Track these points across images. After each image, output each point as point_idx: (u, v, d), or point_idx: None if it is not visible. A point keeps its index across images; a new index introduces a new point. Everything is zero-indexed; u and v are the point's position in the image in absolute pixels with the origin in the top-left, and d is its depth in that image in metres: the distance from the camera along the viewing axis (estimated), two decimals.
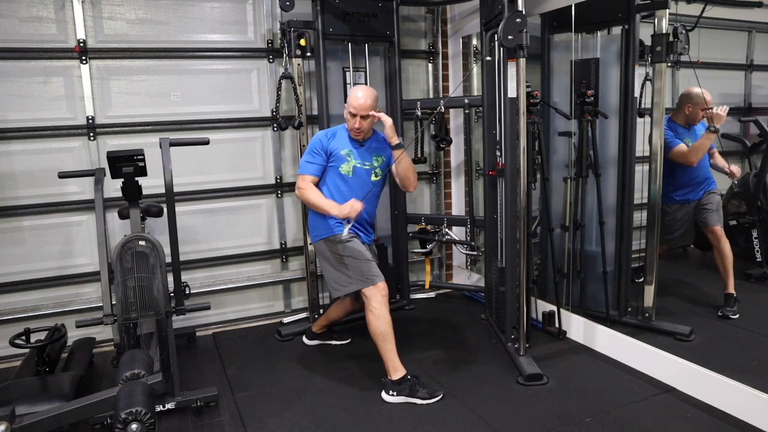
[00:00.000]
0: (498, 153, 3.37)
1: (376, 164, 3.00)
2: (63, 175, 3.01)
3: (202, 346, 3.57)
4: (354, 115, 2.86)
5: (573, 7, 3.32)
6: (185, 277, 3.42)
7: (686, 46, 3.15)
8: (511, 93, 2.98)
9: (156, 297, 2.67)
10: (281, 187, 3.94)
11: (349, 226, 2.79)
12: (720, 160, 3.64)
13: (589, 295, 3.57)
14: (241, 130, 3.80)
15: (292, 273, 4.03)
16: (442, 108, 3.70)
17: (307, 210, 3.69)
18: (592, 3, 3.17)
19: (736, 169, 3.66)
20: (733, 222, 3.86)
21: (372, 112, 2.88)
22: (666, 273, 3.66)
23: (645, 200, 3.30)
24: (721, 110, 3.32)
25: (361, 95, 2.85)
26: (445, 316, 3.96)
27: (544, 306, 3.61)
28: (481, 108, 3.74)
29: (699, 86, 3.36)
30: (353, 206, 2.77)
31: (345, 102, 2.94)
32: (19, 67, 3.27)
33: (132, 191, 2.86)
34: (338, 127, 3.04)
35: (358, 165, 2.95)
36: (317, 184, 2.97)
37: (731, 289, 3.45)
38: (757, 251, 3.80)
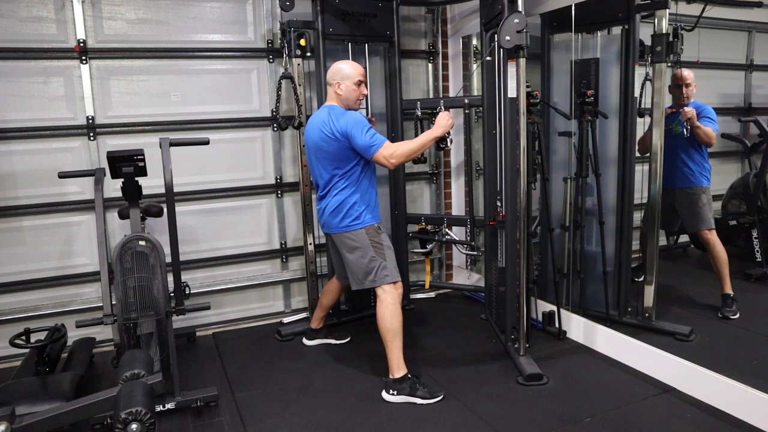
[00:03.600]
0: (498, 204, 3.35)
1: None
2: (63, 175, 3.01)
3: (202, 346, 3.57)
4: (361, 83, 2.89)
5: (573, 7, 3.32)
6: (185, 277, 3.42)
7: (681, 47, 3.15)
8: (511, 93, 2.99)
9: (156, 297, 2.67)
10: (281, 187, 3.94)
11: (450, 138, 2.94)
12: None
13: (589, 295, 3.57)
14: (241, 130, 3.80)
15: (292, 273, 4.03)
16: (442, 108, 3.69)
17: (308, 210, 3.71)
18: (592, 3, 3.17)
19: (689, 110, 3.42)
20: (733, 222, 3.86)
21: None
22: (666, 273, 3.65)
23: (645, 200, 3.30)
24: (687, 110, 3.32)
25: (354, 63, 2.94)
26: (445, 316, 3.96)
27: (544, 306, 3.61)
28: (481, 108, 3.74)
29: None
30: (448, 118, 2.87)
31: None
32: (19, 67, 3.28)
33: (132, 191, 2.86)
34: (347, 111, 2.92)
35: None
36: (332, 180, 2.85)
37: (728, 290, 3.45)
38: (757, 251, 3.80)
